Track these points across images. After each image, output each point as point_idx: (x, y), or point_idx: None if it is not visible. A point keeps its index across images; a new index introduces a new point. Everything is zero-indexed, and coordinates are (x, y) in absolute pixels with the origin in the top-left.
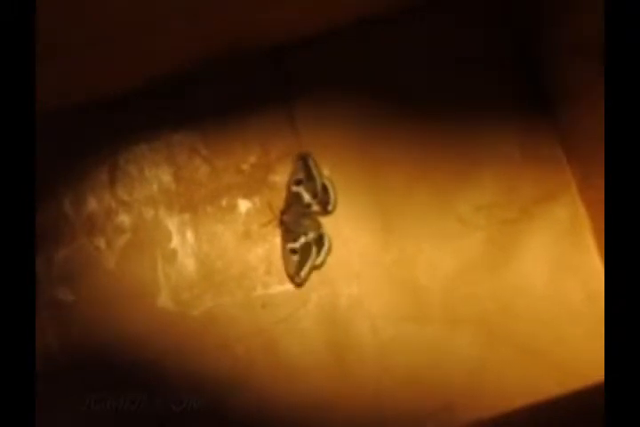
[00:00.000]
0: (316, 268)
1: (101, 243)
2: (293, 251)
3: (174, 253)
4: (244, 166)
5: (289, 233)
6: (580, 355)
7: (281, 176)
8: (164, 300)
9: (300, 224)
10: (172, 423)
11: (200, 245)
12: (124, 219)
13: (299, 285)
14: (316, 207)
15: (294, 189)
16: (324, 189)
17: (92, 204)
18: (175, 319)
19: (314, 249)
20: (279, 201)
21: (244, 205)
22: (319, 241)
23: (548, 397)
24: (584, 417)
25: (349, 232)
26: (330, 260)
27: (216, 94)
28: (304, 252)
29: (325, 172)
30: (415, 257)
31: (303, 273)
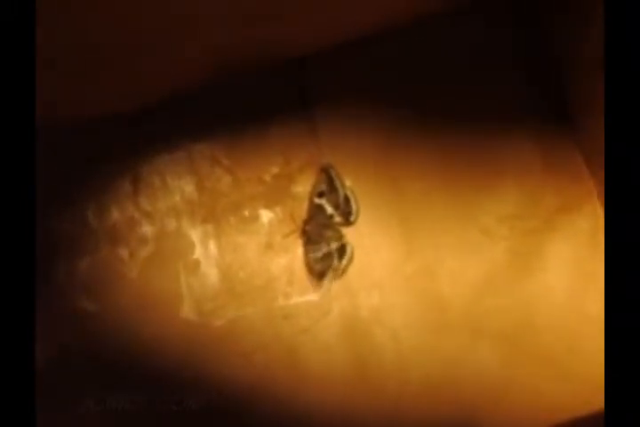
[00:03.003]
0: (337, 277)
1: (124, 253)
2: (315, 260)
3: (197, 263)
4: (266, 177)
5: (311, 244)
6: (601, 365)
7: (303, 186)
8: (187, 310)
9: (322, 235)
10: None
11: (222, 255)
12: (147, 229)
13: (320, 295)
14: (338, 218)
15: (317, 201)
16: (347, 200)
17: (115, 214)
18: (197, 330)
19: (336, 259)
20: (301, 211)
21: (266, 215)
22: (341, 251)
23: (573, 410)
24: None
25: (371, 243)
26: (351, 270)
27: (237, 105)
28: (326, 262)
29: (347, 182)
30: (437, 268)
31: (325, 282)
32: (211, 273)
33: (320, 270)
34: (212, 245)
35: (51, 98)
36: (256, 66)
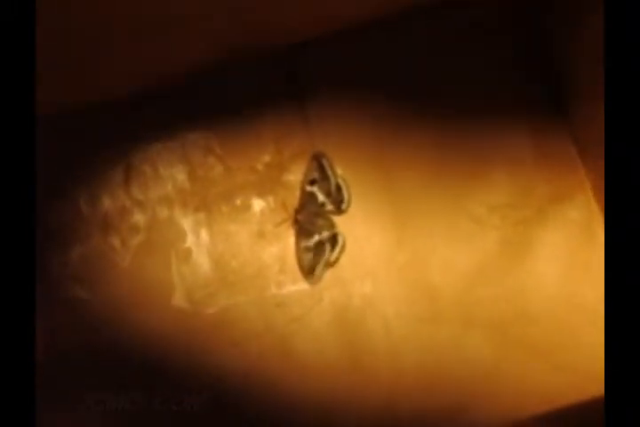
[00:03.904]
0: (329, 266)
1: (116, 242)
2: (307, 249)
3: (188, 252)
4: (258, 166)
5: (303, 232)
6: (593, 355)
7: (295, 175)
8: (179, 299)
9: (313, 223)
10: (185, 421)
11: (214, 244)
12: (139, 218)
13: (312, 283)
14: (329, 207)
15: (308, 188)
16: (338, 188)
17: (107, 203)
18: (189, 318)
19: (328, 247)
20: (293, 200)
21: (258, 204)
22: (333, 240)
23: (564, 400)
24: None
25: (363, 231)
26: (343, 259)
27: (230, 93)
28: (318, 250)
29: (339, 171)
30: (429, 257)
31: (317, 271)
32: (202, 262)
33: (312, 259)
34: (204, 234)
35: (49, 83)
36: (253, 53)
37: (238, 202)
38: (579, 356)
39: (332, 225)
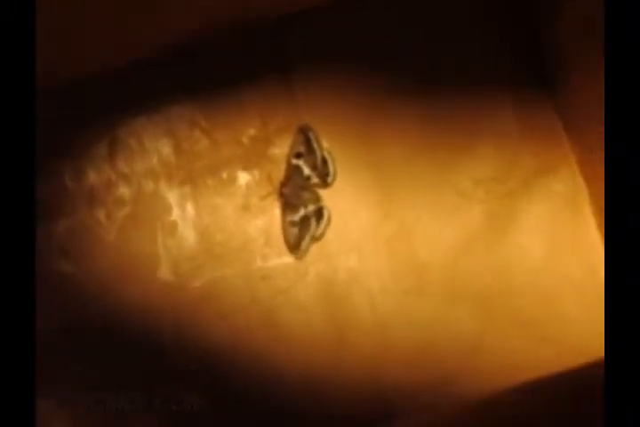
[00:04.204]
0: (315, 240)
1: (101, 215)
2: (293, 223)
3: (174, 225)
4: (244, 139)
5: (288, 206)
6: (579, 328)
7: (280, 149)
8: (164, 272)
9: (299, 197)
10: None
11: (200, 217)
12: (124, 191)
13: (298, 257)
14: (315, 180)
15: (294, 161)
16: (324, 161)
17: (92, 176)
18: (175, 291)
19: (313, 221)
20: (279, 173)
21: (243, 177)
22: (318, 213)
23: (547, 371)
24: (583, 394)
25: (348, 205)
26: (329, 233)
27: (216, 66)
28: (303, 224)
29: (325, 144)
30: (414, 230)
31: (303, 245)
32: (188, 235)
33: (297, 233)
34: (190, 207)
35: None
36: (239, 26)
37: (224, 175)
38: (564, 328)
39: (317, 199)
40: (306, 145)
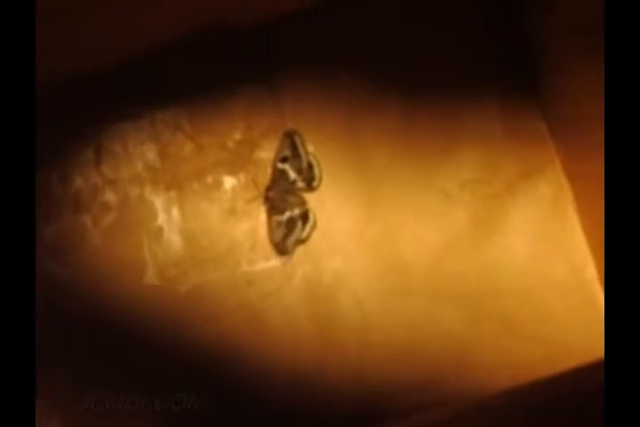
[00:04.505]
0: (301, 242)
1: (88, 221)
2: (279, 227)
3: (160, 230)
4: (229, 143)
5: (274, 209)
6: (564, 329)
7: (266, 153)
8: (151, 277)
9: (285, 200)
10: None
11: (186, 222)
12: (110, 197)
13: (284, 260)
14: (301, 184)
15: (280, 166)
16: (310, 166)
17: (79, 182)
18: (161, 296)
19: (299, 224)
20: (264, 177)
21: (229, 181)
22: (304, 217)
23: (536, 373)
24: (575, 397)
25: (334, 207)
26: (314, 235)
27: (200, 71)
28: (289, 227)
29: (310, 148)
30: (400, 232)
31: (288, 248)
32: (174, 239)
33: (283, 236)
34: (176, 212)
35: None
36: (224, 30)
37: (209, 180)
38: (549, 328)
39: (303, 202)
40: (292, 149)
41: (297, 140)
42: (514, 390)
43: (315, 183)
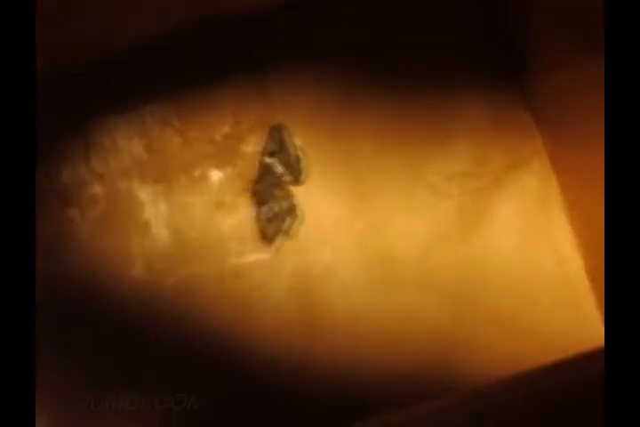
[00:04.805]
0: (288, 236)
1: (75, 214)
2: (266, 220)
3: (147, 223)
4: (217, 137)
5: (261, 203)
6: (551, 321)
7: (253, 146)
8: (138, 270)
9: (271, 194)
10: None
11: (173, 215)
12: (98, 190)
13: (272, 254)
14: (288, 178)
15: (267, 160)
16: (297, 159)
17: (67, 175)
18: (149, 289)
19: (286, 218)
20: (251, 171)
21: (216, 175)
22: (291, 211)
23: (522, 365)
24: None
25: (322, 201)
26: (302, 229)
27: (188, 65)
28: (276, 221)
29: (297, 141)
30: (387, 226)
31: (276, 242)
32: (161, 233)
33: (271, 230)
34: (163, 205)
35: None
36: (212, 24)
37: (196, 173)
38: (536, 322)
39: (290, 196)
40: (279, 143)
41: (284, 134)
42: (513, 378)
43: (302, 177)
